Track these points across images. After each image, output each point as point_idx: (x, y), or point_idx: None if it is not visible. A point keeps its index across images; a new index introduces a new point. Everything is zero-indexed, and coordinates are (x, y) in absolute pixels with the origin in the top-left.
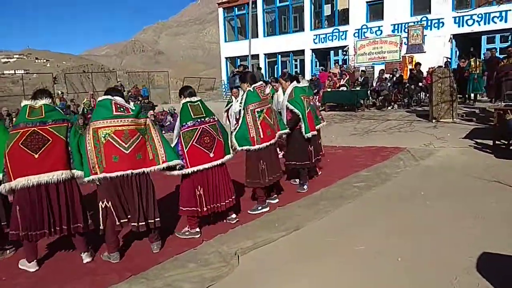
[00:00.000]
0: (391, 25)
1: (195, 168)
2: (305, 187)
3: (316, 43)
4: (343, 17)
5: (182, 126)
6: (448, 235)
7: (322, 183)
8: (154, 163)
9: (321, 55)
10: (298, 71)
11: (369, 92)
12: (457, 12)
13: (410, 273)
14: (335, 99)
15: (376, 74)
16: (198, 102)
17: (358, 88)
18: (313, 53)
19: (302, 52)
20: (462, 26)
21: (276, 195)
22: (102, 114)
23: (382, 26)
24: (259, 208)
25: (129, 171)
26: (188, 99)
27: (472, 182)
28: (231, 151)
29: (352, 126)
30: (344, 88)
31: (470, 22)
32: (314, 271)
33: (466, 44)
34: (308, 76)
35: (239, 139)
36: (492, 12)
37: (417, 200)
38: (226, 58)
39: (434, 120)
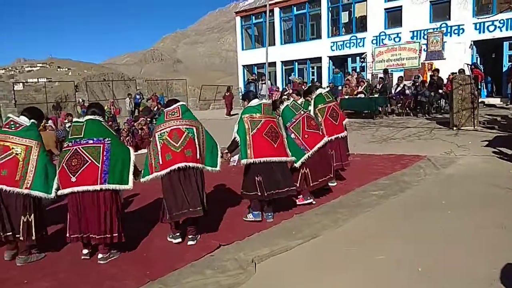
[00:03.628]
0: (410, 31)
1: (59, 192)
2: (250, 216)
3: (333, 50)
4: (361, 24)
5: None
6: (470, 245)
7: (340, 191)
8: (15, 185)
9: (339, 62)
10: (315, 79)
11: (387, 99)
12: (478, 18)
13: (431, 284)
14: (353, 106)
15: (395, 81)
16: (84, 122)
17: (376, 95)
18: (330, 60)
19: (319, 59)
20: (483, 32)
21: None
22: None
23: (400, 33)
24: (170, 236)
25: None
26: (75, 118)
27: (495, 191)
28: (130, 182)
29: (370, 133)
30: (362, 95)
31: (491, 28)
32: (332, 280)
33: (487, 50)
34: (325, 83)
35: (145, 169)
36: None
37: (438, 209)
38: (243, 65)
39: (455, 128)
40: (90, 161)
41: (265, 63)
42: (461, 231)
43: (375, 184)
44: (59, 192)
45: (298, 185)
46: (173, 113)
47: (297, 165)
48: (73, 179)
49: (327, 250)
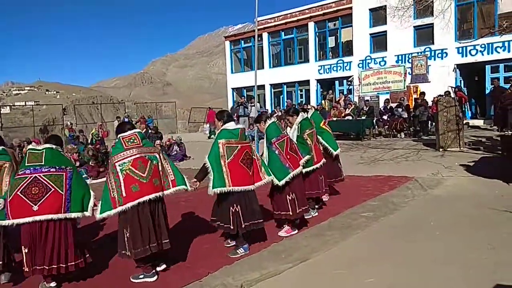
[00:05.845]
0: (395, 55)
1: (15, 221)
2: (241, 250)
3: (321, 73)
4: (347, 48)
5: (15, 176)
6: (459, 266)
7: (329, 213)
8: None
9: (326, 85)
10: (304, 101)
11: (374, 121)
12: (460, 43)
13: None
14: (341, 128)
15: (382, 104)
16: (43, 150)
17: (363, 117)
18: (318, 83)
19: (307, 82)
20: (466, 56)
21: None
22: None
23: (386, 57)
24: (140, 276)
25: None
26: (31, 146)
27: (482, 211)
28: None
29: (358, 155)
30: (350, 117)
31: (473, 52)
32: None
33: (470, 73)
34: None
35: (103, 204)
36: (495, 43)
37: (426, 231)
38: (233, 88)
39: (441, 149)
40: (53, 189)
41: (254, 86)
42: (450, 252)
43: (364, 205)
44: (16, 222)
45: (291, 213)
46: (131, 140)
47: (280, 183)
48: (35, 208)
49: (317, 273)
